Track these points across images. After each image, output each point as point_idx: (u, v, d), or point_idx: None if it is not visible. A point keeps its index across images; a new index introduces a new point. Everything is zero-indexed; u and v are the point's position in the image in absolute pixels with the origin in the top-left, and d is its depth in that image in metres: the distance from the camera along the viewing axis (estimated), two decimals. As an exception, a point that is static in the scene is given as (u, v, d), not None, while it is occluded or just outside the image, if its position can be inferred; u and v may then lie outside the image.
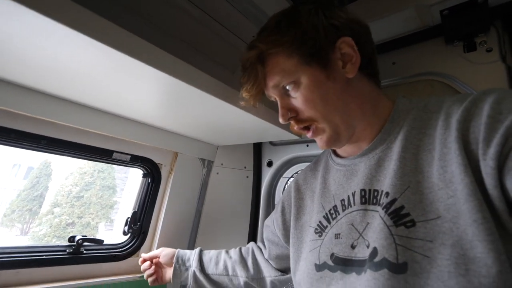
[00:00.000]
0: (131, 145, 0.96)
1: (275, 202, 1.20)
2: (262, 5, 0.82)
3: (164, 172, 1.05)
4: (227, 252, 0.85)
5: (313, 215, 0.61)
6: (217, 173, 1.15)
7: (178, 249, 0.88)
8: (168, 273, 0.86)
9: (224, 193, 1.14)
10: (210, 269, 0.81)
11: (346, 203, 0.54)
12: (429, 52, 0.83)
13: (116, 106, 0.81)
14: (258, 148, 1.21)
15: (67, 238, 0.91)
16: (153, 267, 0.88)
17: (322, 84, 0.51)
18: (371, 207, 0.48)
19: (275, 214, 0.75)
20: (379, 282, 0.40)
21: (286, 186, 1.17)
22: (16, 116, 0.71)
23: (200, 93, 0.62)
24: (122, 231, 1.03)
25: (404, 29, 0.84)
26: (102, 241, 0.95)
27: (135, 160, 0.98)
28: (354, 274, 0.46)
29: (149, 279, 0.87)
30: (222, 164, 1.16)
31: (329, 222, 0.55)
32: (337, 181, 0.58)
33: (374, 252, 0.42)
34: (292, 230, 0.66)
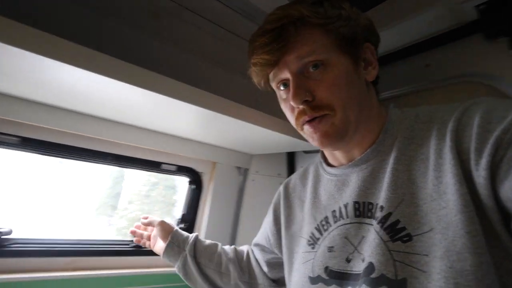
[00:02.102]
0: (176, 157, 1.10)
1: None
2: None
3: (205, 180, 1.17)
4: (223, 247, 0.81)
5: (303, 225, 0.61)
6: (253, 180, 1.22)
7: (176, 228, 0.81)
8: (160, 245, 0.81)
9: (259, 199, 1.20)
10: (203, 259, 0.76)
11: (337, 214, 0.53)
12: (467, 51, 0.75)
13: (163, 126, 0.95)
14: (291, 156, 1.24)
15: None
16: (146, 234, 0.88)
17: (350, 75, 0.49)
18: (366, 220, 0.48)
19: (268, 224, 0.75)
20: None
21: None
22: (92, 139, 0.90)
23: (235, 120, 0.72)
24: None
25: (437, 28, 0.78)
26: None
27: (180, 170, 1.12)
28: None
29: (144, 242, 0.87)
30: (257, 172, 1.23)
31: (321, 234, 0.55)
32: (328, 191, 0.57)
33: (371, 267, 0.42)
34: (283, 240, 0.66)
